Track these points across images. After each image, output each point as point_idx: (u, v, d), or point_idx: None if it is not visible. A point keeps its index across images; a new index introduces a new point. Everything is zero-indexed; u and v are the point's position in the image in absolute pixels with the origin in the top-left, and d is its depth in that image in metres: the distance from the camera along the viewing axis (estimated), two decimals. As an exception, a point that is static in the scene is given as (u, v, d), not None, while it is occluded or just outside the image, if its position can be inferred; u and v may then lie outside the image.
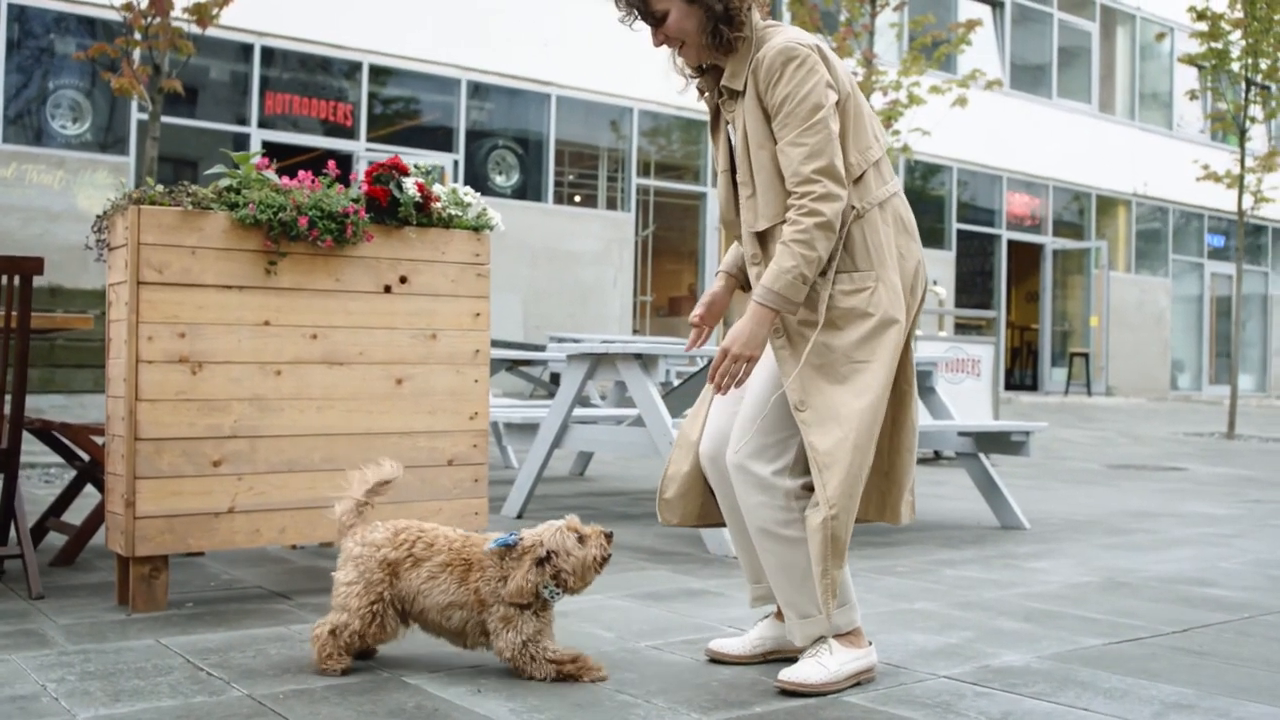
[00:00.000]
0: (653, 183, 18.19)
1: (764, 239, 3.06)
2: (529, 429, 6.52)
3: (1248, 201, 17.15)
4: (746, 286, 3.28)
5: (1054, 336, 23.68)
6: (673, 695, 2.95)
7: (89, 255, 4.16)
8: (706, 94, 3.25)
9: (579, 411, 6.57)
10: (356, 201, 4.11)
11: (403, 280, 4.21)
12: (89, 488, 5.08)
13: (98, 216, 4.05)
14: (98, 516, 4.50)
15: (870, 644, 3.14)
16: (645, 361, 5.63)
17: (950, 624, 3.82)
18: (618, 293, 17.41)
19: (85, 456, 4.80)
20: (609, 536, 3.10)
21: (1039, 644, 3.56)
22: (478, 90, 16.21)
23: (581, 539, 3.08)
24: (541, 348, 10.67)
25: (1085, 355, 23.06)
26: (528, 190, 16.61)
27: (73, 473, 6.31)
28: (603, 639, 3.53)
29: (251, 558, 4.79)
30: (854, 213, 3.03)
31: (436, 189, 4.33)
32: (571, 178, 17.56)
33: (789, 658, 3.25)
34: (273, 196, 3.92)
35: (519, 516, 6.21)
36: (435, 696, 2.89)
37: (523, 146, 16.76)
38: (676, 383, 7.45)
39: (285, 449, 3.97)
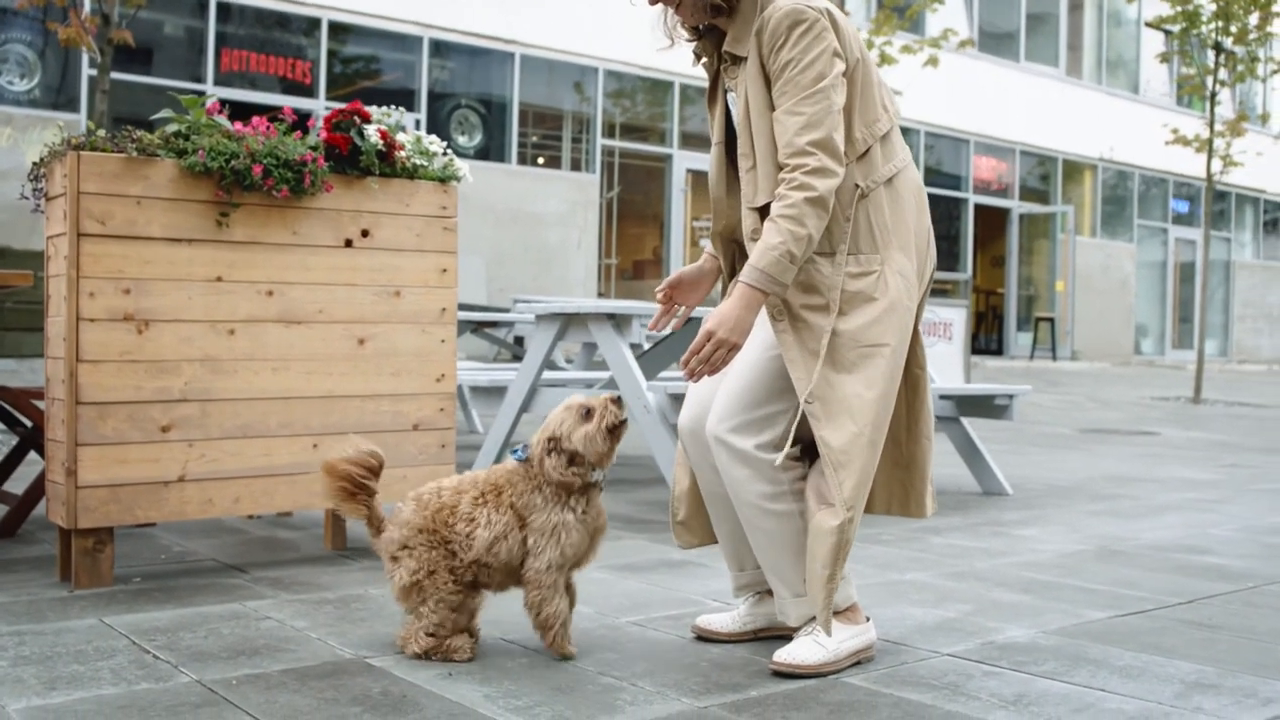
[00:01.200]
0: (618, 144, 17.89)
1: (766, 214, 2.79)
2: (495, 393, 6.28)
3: (1216, 166, 17.07)
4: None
5: (1019, 301, 23.60)
6: (660, 677, 2.73)
7: (40, 217, 3.88)
8: (705, 59, 2.99)
9: (548, 375, 6.33)
10: (315, 149, 3.84)
11: (364, 234, 3.95)
12: (32, 455, 4.81)
13: (34, 164, 3.77)
14: (40, 486, 4.22)
15: (868, 620, 2.93)
16: (618, 321, 5.40)
17: (946, 596, 3.63)
18: (582, 255, 17.14)
19: (27, 422, 4.52)
20: (617, 401, 2.85)
21: (1041, 618, 3.38)
22: (440, 48, 15.84)
23: (589, 412, 2.84)
24: (507, 311, 10.41)
25: (1050, 320, 23.00)
26: (491, 151, 16.28)
27: (15, 440, 6.02)
28: (581, 614, 3.31)
29: (205, 528, 4.53)
30: (858, 191, 2.80)
31: (400, 137, 4.07)
32: (535, 139, 17.25)
33: (781, 635, 3.05)
34: (224, 143, 3.65)
35: (486, 484, 5.97)
36: (402, 681, 2.66)
37: (486, 106, 16.42)
38: (647, 346, 7.22)
39: (239, 413, 3.72)
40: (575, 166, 17.50)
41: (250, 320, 3.73)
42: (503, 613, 3.28)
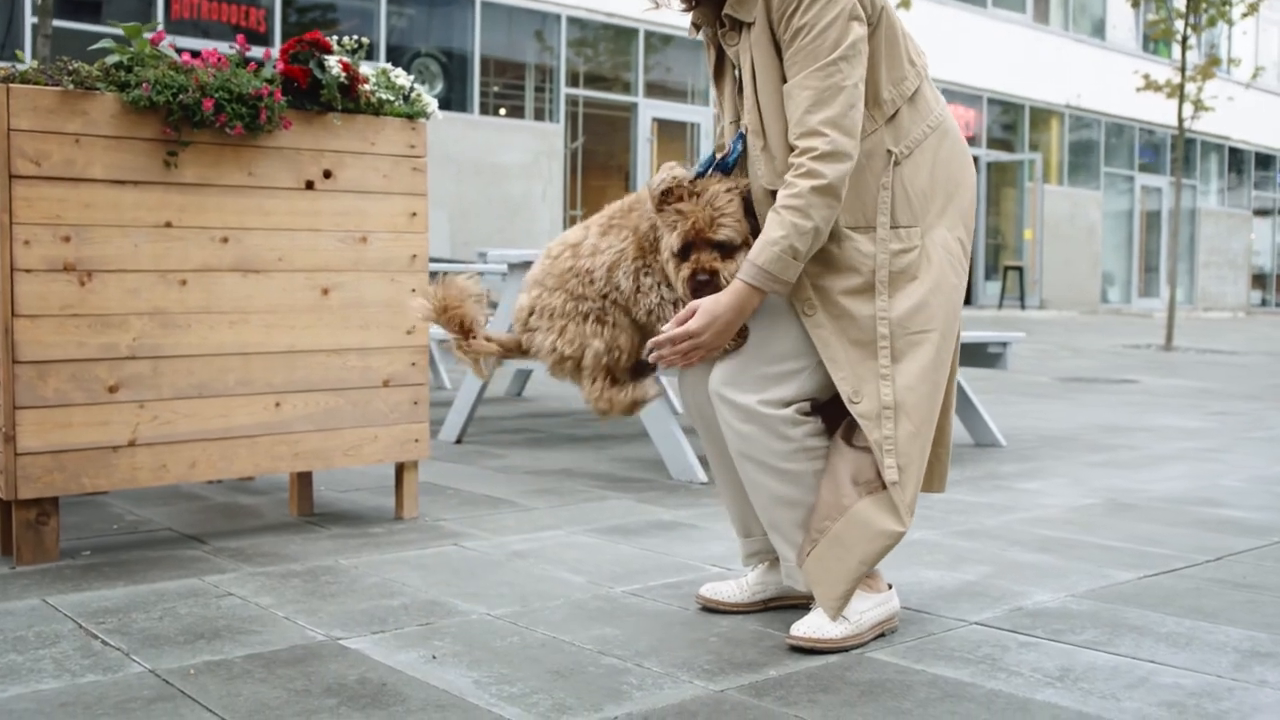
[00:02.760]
0: (582, 93, 17.51)
1: None
2: (467, 347, 5.97)
3: (1187, 111, 16.88)
4: None
5: (987, 250, 23.44)
6: (666, 655, 2.47)
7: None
8: (704, 28, 2.64)
9: (521, 328, 6.03)
10: (271, 82, 3.52)
11: (327, 175, 3.64)
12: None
13: (-38, 100, 3.42)
14: (-21, 452, 3.91)
15: (890, 587, 2.68)
16: (597, 271, 5.10)
17: (960, 557, 3.38)
18: (547, 207, 16.79)
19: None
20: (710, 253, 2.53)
21: (1067, 579, 3.14)
22: (398, -6, 15.40)
23: (686, 251, 2.52)
24: (470, 265, 10.08)
25: (1019, 268, 22.86)
26: (452, 102, 15.87)
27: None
28: (572, 584, 3.05)
29: (162, 495, 4.23)
30: (891, 158, 2.51)
31: (364, 69, 3.75)
32: (497, 89, 16.84)
33: (794, 605, 2.80)
34: (171, 75, 3.32)
35: (458, 441, 5.70)
36: (381, 666, 2.39)
37: (446, 55, 15.99)
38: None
39: (194, 370, 3.41)
40: (539, 116, 17.12)
41: (203, 270, 3.42)
42: (486, 585, 3.02)
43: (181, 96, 3.30)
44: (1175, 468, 5.18)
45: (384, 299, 3.76)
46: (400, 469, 3.89)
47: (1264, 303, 31.28)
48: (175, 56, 3.43)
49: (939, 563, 3.31)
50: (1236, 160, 29.60)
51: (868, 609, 2.56)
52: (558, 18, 17.02)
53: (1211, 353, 15.60)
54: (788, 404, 2.51)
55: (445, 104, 15.70)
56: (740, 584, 2.82)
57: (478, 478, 4.70)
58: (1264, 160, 30.41)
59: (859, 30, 2.41)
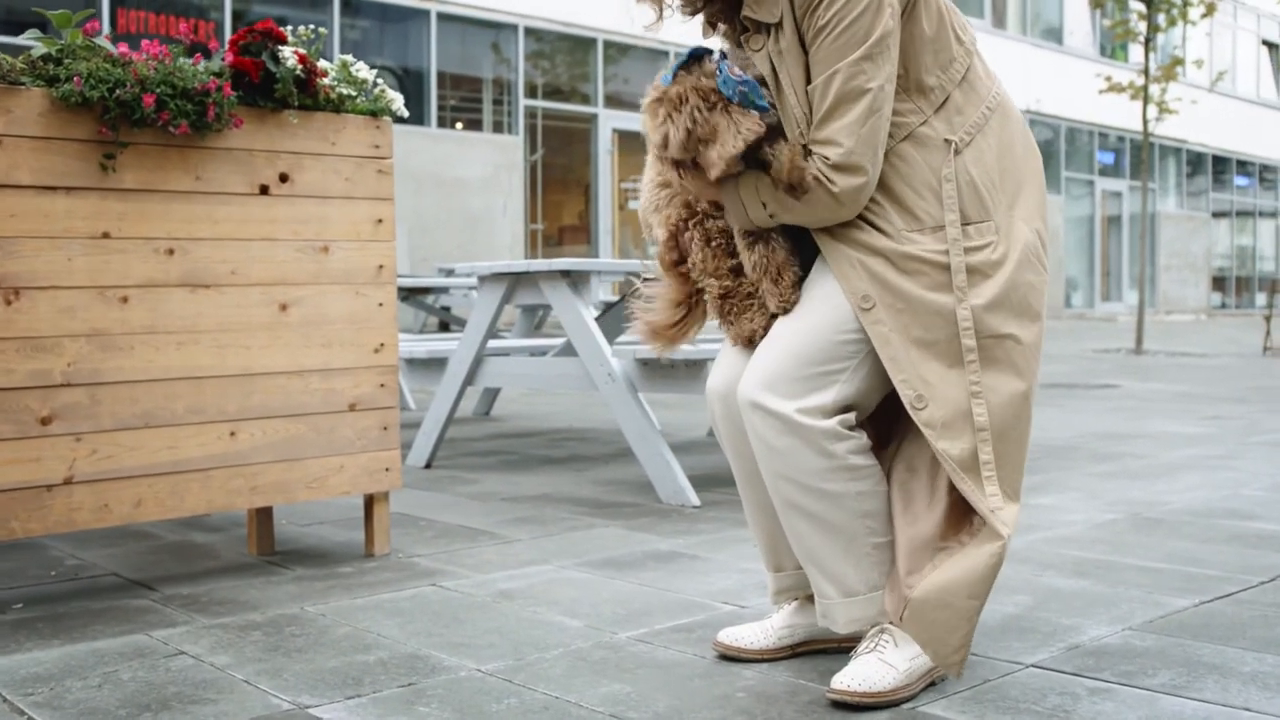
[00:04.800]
0: (541, 104, 17.18)
1: None
2: (434, 365, 5.63)
3: (1151, 113, 16.78)
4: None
5: (952, 257, 23.26)
6: (690, 717, 2.14)
7: None
8: (721, 27, 2.32)
9: (493, 343, 5.70)
10: (219, 76, 3.17)
11: (283, 178, 3.29)
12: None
13: None
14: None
15: (936, 627, 2.35)
16: (574, 280, 4.78)
17: (995, 585, 3.06)
18: (508, 221, 16.43)
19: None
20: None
21: (1118, 609, 2.83)
22: (351, 7, 15.03)
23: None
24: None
25: (984, 275, 22.68)
26: (409, 115, 15.47)
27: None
28: (570, 630, 2.71)
29: (106, 535, 3.85)
30: (951, 147, 2.20)
31: (323, 63, 3.41)
32: (454, 101, 16.48)
33: (825, 650, 2.47)
34: (107, 69, 2.96)
35: (428, 466, 5.35)
36: (360, 739, 2.04)
37: (402, 68, 15.62)
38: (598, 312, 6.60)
39: (138, 398, 3.05)
40: (497, 129, 16.77)
41: (147, 285, 3.06)
42: (472, 633, 2.68)
43: (119, 92, 2.95)
44: (1189, 477, 4.91)
45: (348, 314, 3.41)
46: (370, 501, 3.54)
47: (1224, 305, 31.33)
48: (111, 48, 3.07)
49: (972, 593, 2.98)
50: (1195, 163, 29.65)
51: (917, 654, 2.24)
52: (514, 28, 16.70)
53: (1182, 355, 15.47)
54: (828, 414, 2.19)
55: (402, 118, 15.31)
56: (764, 627, 2.49)
57: (451, 506, 4.35)
58: (1221, 163, 30.48)
59: (889, 23, 2.10)
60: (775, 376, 2.21)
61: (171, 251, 3.10)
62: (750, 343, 2.34)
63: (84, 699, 2.25)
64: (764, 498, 2.39)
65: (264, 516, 3.60)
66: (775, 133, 2.19)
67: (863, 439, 2.23)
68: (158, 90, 3.00)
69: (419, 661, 2.47)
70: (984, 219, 2.20)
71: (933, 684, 2.28)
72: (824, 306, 2.22)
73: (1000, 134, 2.26)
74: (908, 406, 2.17)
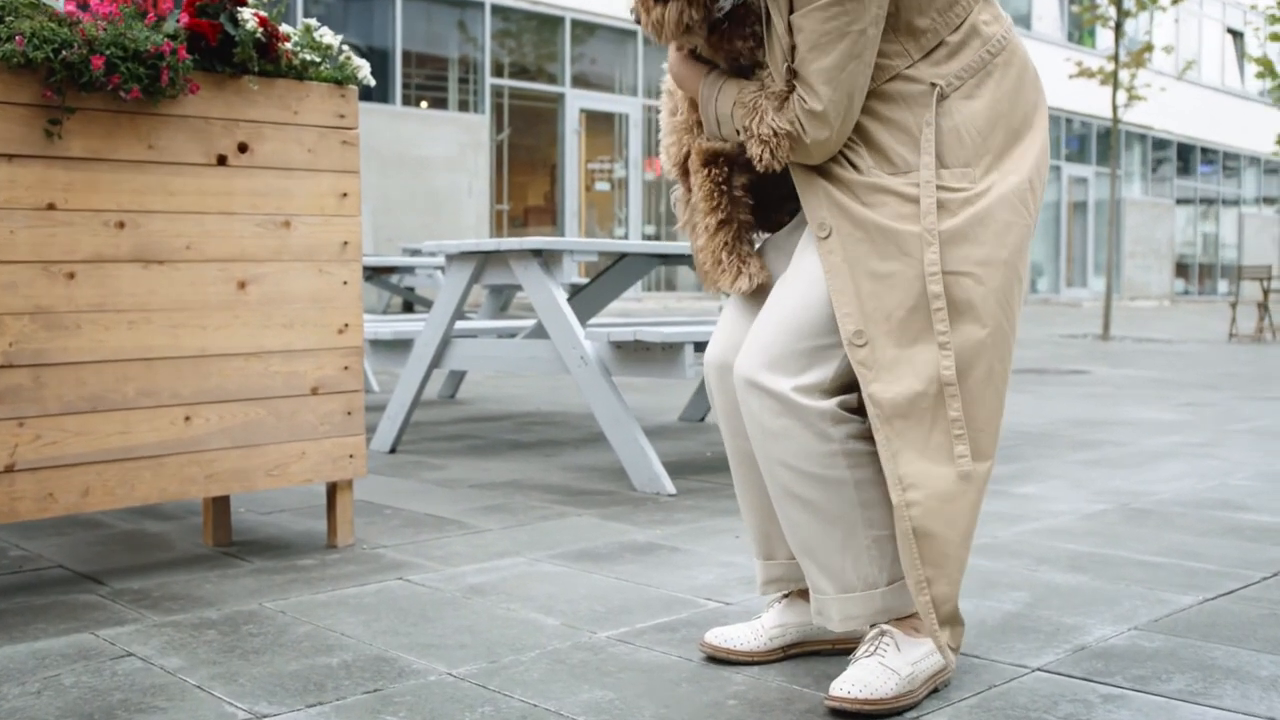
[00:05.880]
0: (507, 83, 16.95)
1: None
2: (399, 346, 5.45)
3: (1121, 98, 16.74)
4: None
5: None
6: (678, 726, 1.99)
7: None
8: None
9: (460, 325, 5.52)
10: (174, 38, 2.98)
11: (242, 148, 3.11)
12: None
13: None
14: None
15: (938, 629, 2.22)
16: (546, 259, 4.61)
17: (989, 581, 2.94)
18: (473, 201, 16.21)
19: None
20: None
21: (1120, 606, 2.70)
22: (313, -20, 14.75)
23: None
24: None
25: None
26: (373, 92, 15.22)
27: None
28: (546, 629, 2.55)
29: (55, 524, 3.67)
30: (936, 91, 2.05)
31: (285, 27, 3.23)
32: (419, 80, 16.23)
33: (819, 652, 2.33)
34: (52, 28, 2.77)
35: (392, 451, 5.18)
36: (322, 753, 1.88)
37: (367, 45, 15.35)
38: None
39: (86, 380, 2.87)
40: (463, 108, 16.54)
41: (96, 260, 2.88)
42: (442, 632, 2.52)
43: (65, 53, 2.76)
44: (1173, 466, 4.80)
45: (311, 293, 3.23)
46: (333, 489, 3.37)
47: (1186, 292, 31.49)
48: (57, 7, 2.87)
49: (967, 588, 2.85)
50: (1159, 150, 29.74)
51: (919, 659, 2.10)
52: (481, 6, 16.46)
53: (1148, 341, 15.48)
54: (826, 393, 2.05)
55: (365, 94, 15.06)
56: (754, 628, 2.34)
57: (418, 494, 4.19)
58: (1185, 150, 30.58)
59: None
60: (771, 351, 2.07)
61: (122, 225, 2.91)
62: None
63: (21, 707, 2.08)
64: (757, 476, 2.25)
65: (221, 505, 3.42)
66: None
67: (863, 424, 2.08)
68: (107, 52, 2.81)
69: (385, 664, 2.31)
70: (966, 165, 2.06)
71: (936, 690, 2.14)
72: (817, 283, 2.08)
73: (1000, 81, 2.10)
74: (845, 344, 2.03)
